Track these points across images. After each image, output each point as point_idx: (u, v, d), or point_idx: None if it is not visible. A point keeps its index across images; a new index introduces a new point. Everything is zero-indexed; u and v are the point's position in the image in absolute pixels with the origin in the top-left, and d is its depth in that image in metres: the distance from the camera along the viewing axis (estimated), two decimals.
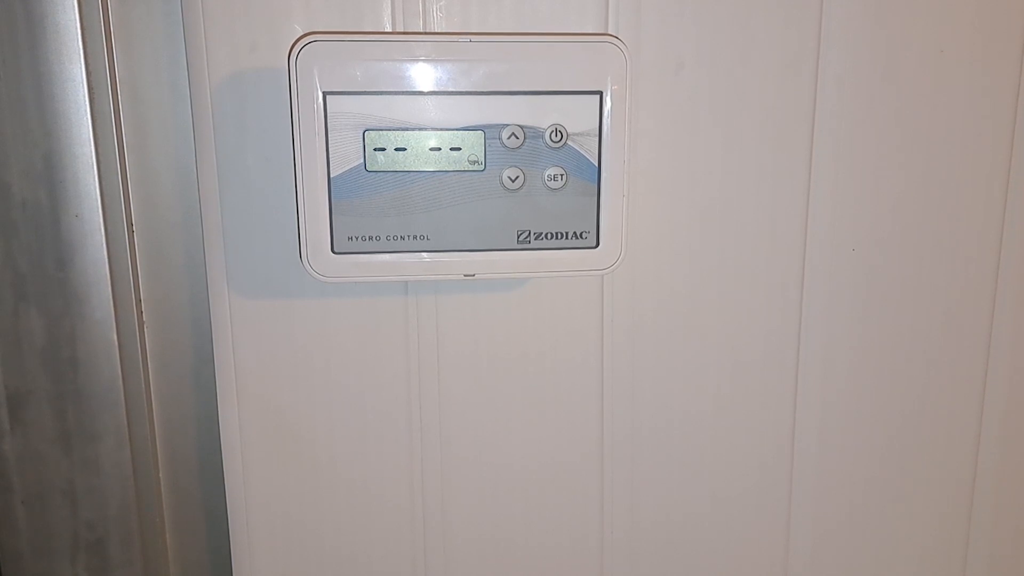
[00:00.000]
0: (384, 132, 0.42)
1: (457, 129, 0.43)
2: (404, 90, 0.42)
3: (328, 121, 0.42)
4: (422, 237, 0.44)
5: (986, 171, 0.53)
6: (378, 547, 0.54)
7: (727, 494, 0.56)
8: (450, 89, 0.42)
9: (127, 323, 0.52)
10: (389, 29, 0.47)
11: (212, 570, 0.58)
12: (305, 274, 0.49)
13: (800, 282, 0.53)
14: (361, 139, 0.42)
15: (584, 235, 0.45)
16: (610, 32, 0.48)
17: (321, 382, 0.51)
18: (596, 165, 0.44)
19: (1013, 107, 0.52)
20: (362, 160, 0.42)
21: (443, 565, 0.55)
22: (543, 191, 0.44)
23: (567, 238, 0.45)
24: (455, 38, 0.41)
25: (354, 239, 0.43)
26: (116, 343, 0.52)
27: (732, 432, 0.55)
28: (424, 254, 0.44)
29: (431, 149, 0.43)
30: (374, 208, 0.43)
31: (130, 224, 0.52)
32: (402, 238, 0.44)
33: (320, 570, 0.54)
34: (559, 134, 0.43)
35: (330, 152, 0.42)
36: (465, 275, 0.45)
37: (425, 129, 0.42)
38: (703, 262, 0.52)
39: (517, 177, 0.43)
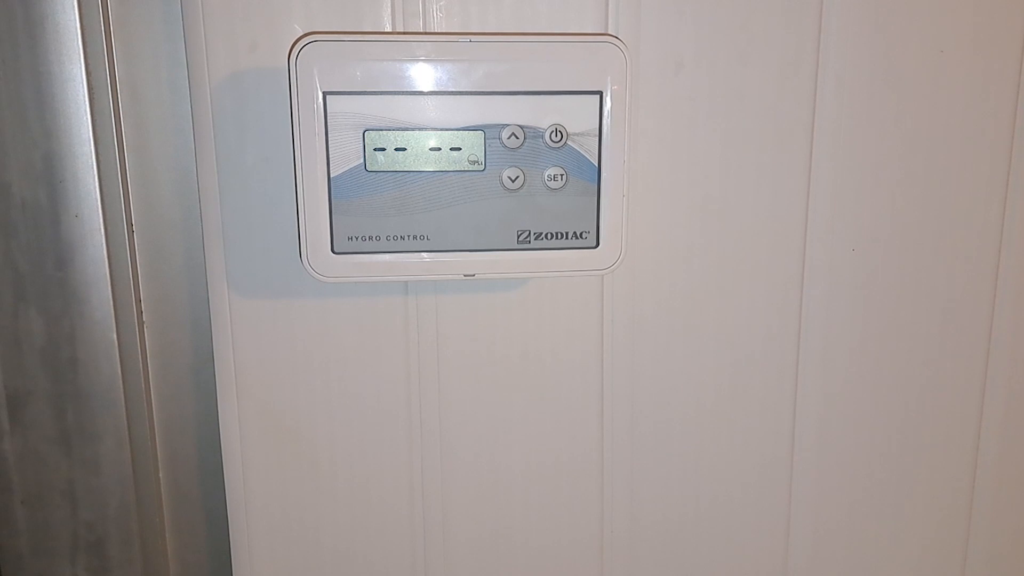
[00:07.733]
0: (384, 132, 0.42)
1: (457, 129, 0.43)
2: (404, 90, 0.42)
3: (328, 121, 0.42)
4: (422, 237, 0.44)
5: (986, 171, 0.53)
6: (378, 547, 0.54)
7: (727, 493, 0.56)
8: (450, 89, 0.42)
9: (127, 323, 0.52)
10: (389, 29, 0.47)
11: (212, 570, 0.58)
12: (305, 274, 0.49)
13: (800, 282, 0.53)
14: (361, 139, 0.42)
15: (584, 235, 0.45)
16: (610, 32, 0.48)
17: (321, 382, 0.51)
18: (596, 165, 0.44)
19: (1013, 107, 0.53)
20: (362, 160, 0.42)
21: (443, 565, 0.55)
22: (543, 191, 0.44)
23: (567, 238, 0.45)
24: (455, 38, 0.41)
25: (354, 239, 0.43)
26: (116, 343, 0.52)
27: (732, 431, 0.55)
28: (424, 254, 0.44)
29: (431, 149, 0.43)
30: (374, 208, 0.43)
31: (130, 224, 0.52)
32: (402, 238, 0.44)
33: (320, 570, 0.54)
34: (559, 134, 0.43)
35: (330, 152, 0.42)
36: (465, 275, 0.45)
37: (425, 129, 0.42)
38: (703, 261, 0.52)
39: (517, 177, 0.43)
